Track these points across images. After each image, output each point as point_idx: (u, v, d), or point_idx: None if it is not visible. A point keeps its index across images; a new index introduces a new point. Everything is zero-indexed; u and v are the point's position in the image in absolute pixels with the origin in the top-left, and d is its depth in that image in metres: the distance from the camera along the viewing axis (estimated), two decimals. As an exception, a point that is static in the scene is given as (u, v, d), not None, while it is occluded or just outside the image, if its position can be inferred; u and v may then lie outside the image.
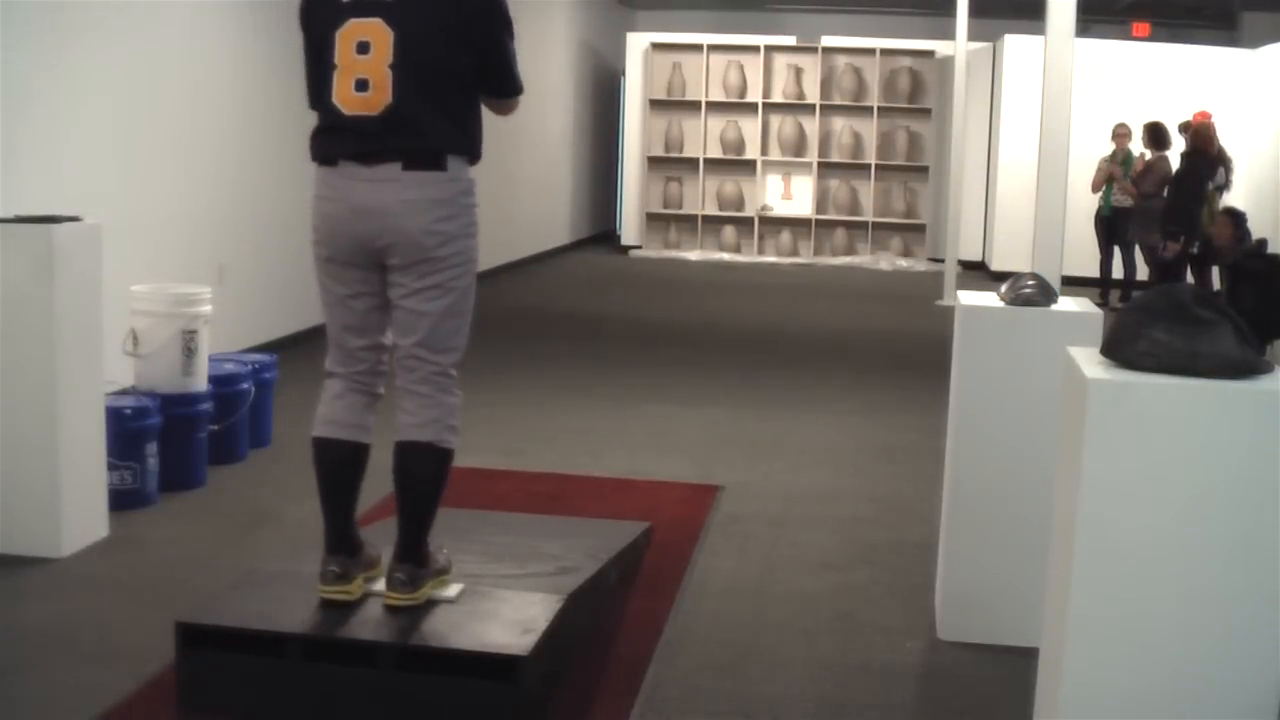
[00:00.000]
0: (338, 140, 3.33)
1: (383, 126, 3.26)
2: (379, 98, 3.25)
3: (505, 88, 3.48)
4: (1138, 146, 11.98)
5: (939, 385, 4.60)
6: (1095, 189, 12.09)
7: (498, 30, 3.37)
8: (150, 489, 4.98)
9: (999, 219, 14.19)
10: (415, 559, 3.41)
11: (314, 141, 3.40)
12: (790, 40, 15.90)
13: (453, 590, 3.50)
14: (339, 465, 3.44)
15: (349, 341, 3.46)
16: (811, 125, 15.60)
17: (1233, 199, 11.38)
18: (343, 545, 3.42)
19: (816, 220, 15.70)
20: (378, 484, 3.70)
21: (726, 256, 15.55)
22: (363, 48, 3.25)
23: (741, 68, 15.69)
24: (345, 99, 3.28)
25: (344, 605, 3.38)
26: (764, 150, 15.75)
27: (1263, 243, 9.25)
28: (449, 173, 3.32)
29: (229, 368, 5.72)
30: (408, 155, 3.28)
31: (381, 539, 3.63)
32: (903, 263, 15.16)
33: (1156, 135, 11.44)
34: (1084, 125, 11.33)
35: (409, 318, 3.39)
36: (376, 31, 3.24)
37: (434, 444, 3.39)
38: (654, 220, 16.05)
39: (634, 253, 15.76)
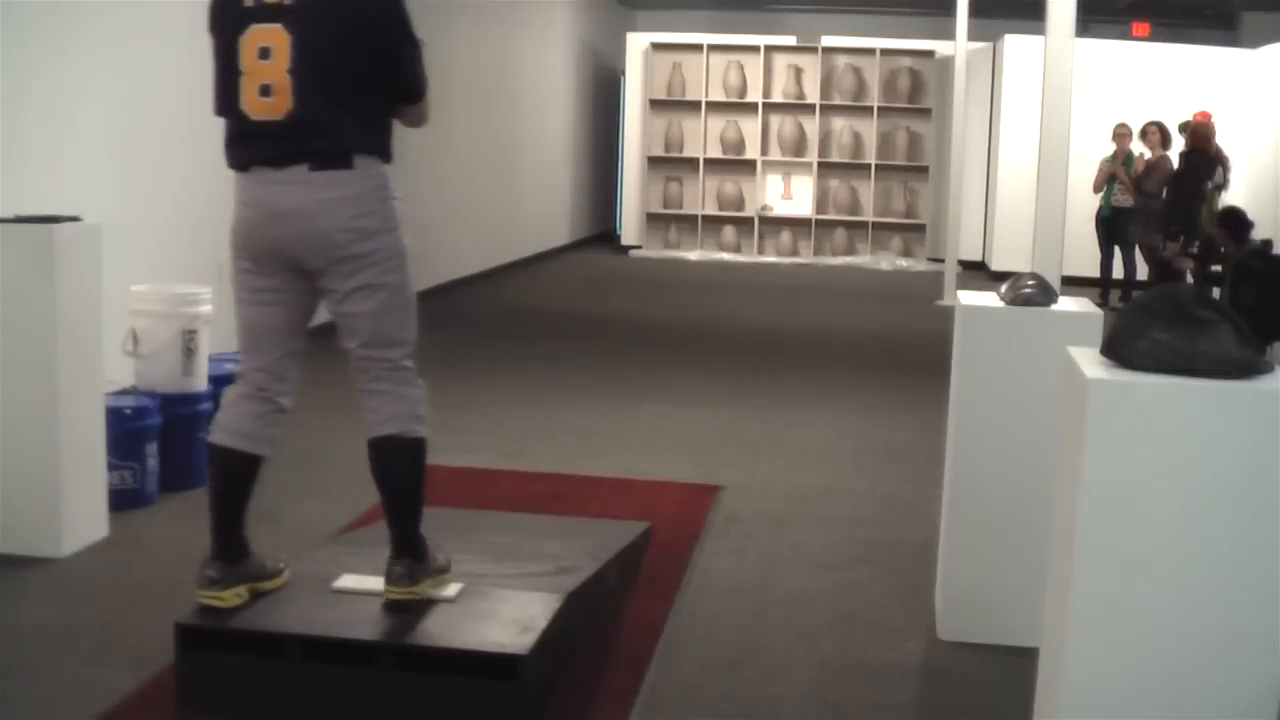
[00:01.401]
0: (248, 146, 3.37)
1: (287, 130, 3.30)
2: (281, 102, 3.28)
3: (404, 92, 3.46)
4: (1138, 146, 11.98)
5: (939, 385, 4.60)
6: (1097, 189, 12.09)
7: (392, 36, 3.37)
8: (150, 489, 4.98)
9: (999, 219, 14.19)
10: (412, 553, 3.42)
11: (227, 150, 3.43)
12: (790, 40, 15.90)
13: (452, 590, 3.51)
14: (229, 474, 3.46)
15: (256, 347, 3.48)
16: (811, 125, 15.60)
17: (1233, 198, 11.39)
18: (223, 551, 3.42)
19: (816, 220, 15.70)
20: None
21: (726, 256, 15.54)
22: (264, 53, 3.29)
23: (741, 68, 15.69)
24: (252, 105, 3.32)
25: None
26: (764, 150, 15.75)
27: (1268, 243, 9.24)
28: (357, 171, 3.33)
29: (229, 368, 5.69)
30: (314, 157, 3.30)
31: (382, 539, 3.63)
32: (903, 263, 15.16)
33: (1163, 135, 11.47)
34: (1084, 125, 11.33)
35: (347, 322, 3.41)
36: (276, 37, 3.27)
37: (401, 435, 3.41)
38: (654, 220, 16.05)
39: (634, 253, 15.76)
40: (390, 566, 3.42)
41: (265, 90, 3.29)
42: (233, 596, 3.39)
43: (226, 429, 3.46)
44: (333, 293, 3.40)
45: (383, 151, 3.40)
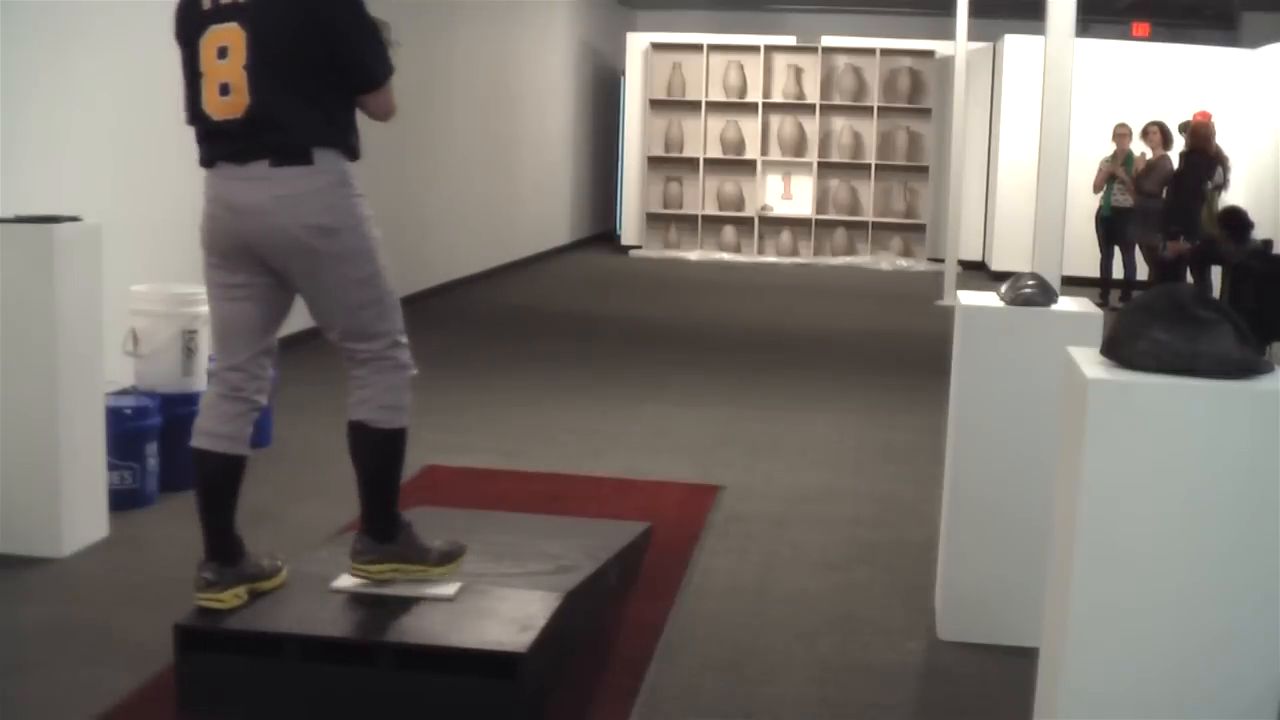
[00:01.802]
0: (212, 144, 3.39)
1: (247, 127, 3.30)
2: (239, 100, 3.29)
3: (361, 80, 3.42)
4: (1138, 146, 11.97)
5: (939, 385, 4.60)
6: (1096, 189, 12.09)
7: (343, 22, 3.35)
8: (150, 489, 4.98)
9: (999, 219, 14.19)
10: (373, 531, 3.49)
11: (198, 148, 3.45)
12: (790, 40, 15.90)
13: (451, 589, 3.51)
14: (213, 476, 3.46)
15: (229, 345, 3.49)
16: (811, 125, 15.60)
17: (1233, 198, 11.38)
18: (218, 553, 3.43)
19: (816, 220, 15.70)
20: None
21: (726, 256, 15.54)
22: (222, 53, 3.31)
23: (741, 68, 15.68)
24: (213, 105, 3.34)
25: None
26: (764, 150, 15.75)
27: (1268, 243, 9.24)
28: (316, 166, 3.32)
29: (229, 368, 5.71)
30: (274, 152, 3.30)
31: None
32: (903, 263, 15.16)
33: (1164, 135, 11.46)
34: (1084, 125, 11.33)
35: (322, 318, 3.46)
36: (233, 35, 3.29)
37: (367, 423, 3.45)
38: (654, 220, 16.05)
39: (634, 253, 15.76)
40: (353, 543, 3.51)
41: (224, 89, 3.30)
42: (231, 597, 3.39)
43: (206, 432, 3.46)
44: (303, 290, 3.43)
45: (344, 145, 3.39)
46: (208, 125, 3.37)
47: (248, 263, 3.40)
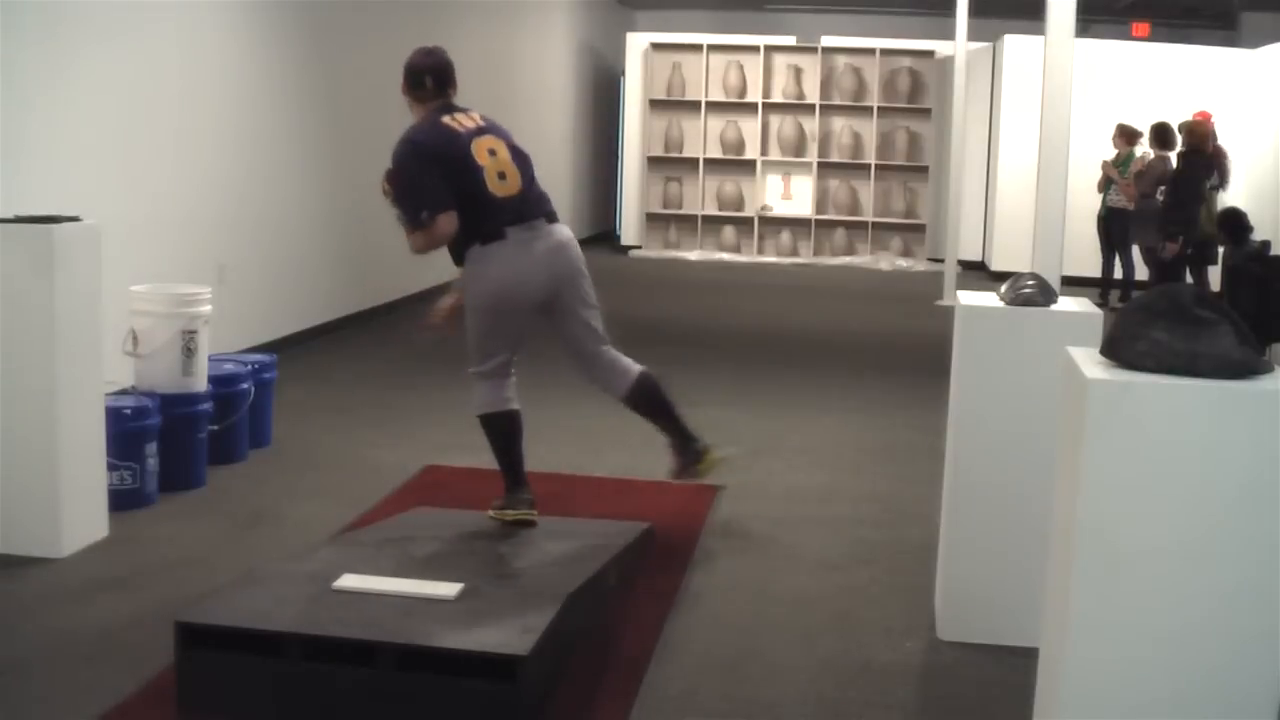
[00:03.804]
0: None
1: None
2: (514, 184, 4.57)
3: None
4: (1140, 146, 11.96)
5: (939, 385, 4.60)
6: (1100, 190, 12.09)
7: None
8: (150, 489, 4.98)
9: (999, 219, 14.19)
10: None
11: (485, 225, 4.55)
12: (790, 40, 15.89)
13: (452, 590, 3.51)
14: (519, 428, 4.81)
15: (510, 348, 4.90)
16: (811, 125, 15.60)
17: (1232, 199, 11.38)
18: (519, 482, 4.68)
19: (816, 220, 15.69)
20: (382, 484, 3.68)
21: (726, 256, 15.54)
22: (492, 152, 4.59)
23: (741, 68, 15.68)
24: (495, 187, 4.53)
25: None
26: (764, 150, 15.75)
27: (1266, 244, 9.23)
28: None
29: (229, 368, 5.72)
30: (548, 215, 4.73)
31: (381, 539, 3.62)
32: (903, 263, 15.15)
33: (1161, 135, 11.43)
34: (1084, 125, 11.32)
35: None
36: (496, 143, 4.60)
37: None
38: (654, 220, 16.05)
39: (634, 253, 15.75)
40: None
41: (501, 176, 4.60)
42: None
43: (510, 399, 4.79)
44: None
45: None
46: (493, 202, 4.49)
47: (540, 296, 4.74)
